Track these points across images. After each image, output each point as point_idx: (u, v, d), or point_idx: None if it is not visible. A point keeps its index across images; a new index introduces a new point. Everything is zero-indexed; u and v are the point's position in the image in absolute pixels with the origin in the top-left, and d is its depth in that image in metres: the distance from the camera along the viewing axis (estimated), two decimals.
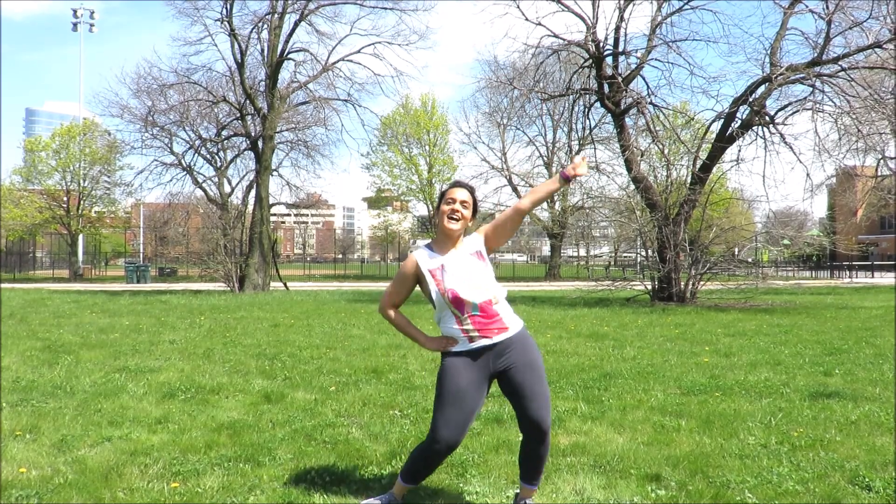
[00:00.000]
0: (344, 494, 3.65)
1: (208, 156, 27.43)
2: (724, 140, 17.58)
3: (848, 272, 42.03)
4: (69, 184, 40.05)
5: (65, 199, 40.16)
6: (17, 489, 3.69)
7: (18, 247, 47.08)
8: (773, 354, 8.56)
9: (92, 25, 53.22)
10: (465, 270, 3.29)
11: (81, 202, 40.45)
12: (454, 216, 3.32)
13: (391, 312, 3.52)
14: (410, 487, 3.52)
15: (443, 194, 3.41)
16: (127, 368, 7.38)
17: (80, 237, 42.41)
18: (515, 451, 4.37)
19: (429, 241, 3.52)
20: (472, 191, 3.41)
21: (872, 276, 40.75)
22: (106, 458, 4.22)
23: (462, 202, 3.34)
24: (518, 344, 3.32)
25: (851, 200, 32.71)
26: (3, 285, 28.46)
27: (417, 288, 3.49)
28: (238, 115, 25.51)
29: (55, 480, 3.83)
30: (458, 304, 3.26)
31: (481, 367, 3.28)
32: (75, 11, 51.47)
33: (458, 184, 3.42)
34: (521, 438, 3.30)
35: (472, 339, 3.27)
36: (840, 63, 16.11)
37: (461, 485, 3.82)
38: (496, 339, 3.27)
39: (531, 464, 3.39)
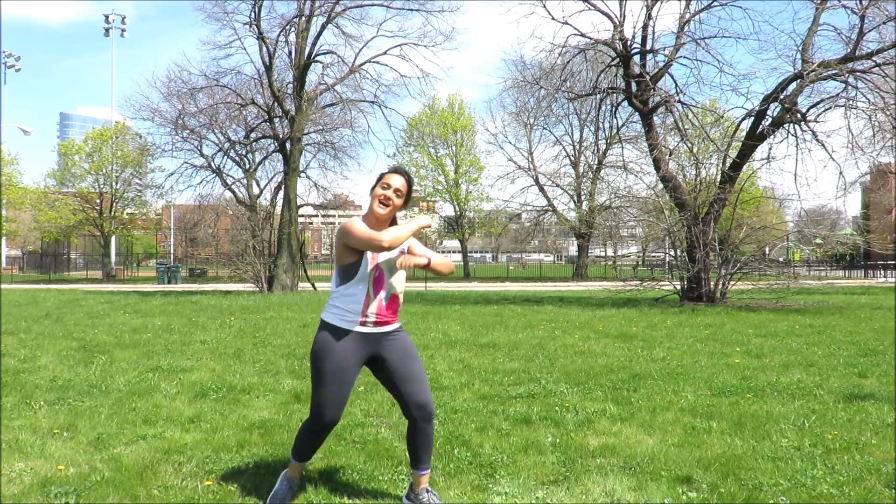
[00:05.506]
0: (373, 494, 3.68)
1: (237, 158, 27.69)
2: (754, 138, 17.34)
3: (883, 271, 41.16)
4: (102, 186, 40.87)
5: (98, 201, 40.99)
6: (56, 486, 3.78)
7: (53, 248, 48.12)
8: (805, 355, 8.42)
9: (123, 31, 54.25)
10: (395, 259, 3.41)
11: (114, 204, 41.26)
12: (385, 202, 3.38)
13: None
14: (305, 464, 3.67)
15: (381, 177, 3.45)
16: (160, 368, 7.51)
17: (113, 239, 43.28)
18: (545, 452, 4.37)
19: (361, 216, 3.53)
20: (408, 179, 3.46)
21: None
22: (141, 456, 4.29)
23: (396, 190, 3.39)
24: (400, 336, 3.50)
25: (886, 198, 32.02)
26: (38, 286, 29.06)
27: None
28: (266, 117, 25.78)
29: (92, 478, 3.91)
30: (378, 284, 3.39)
31: (364, 349, 3.42)
32: (107, 17, 52.43)
33: (396, 170, 3.46)
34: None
35: (364, 324, 3.39)
36: (874, 59, 15.81)
37: (490, 485, 3.82)
38: (386, 328, 3.43)
39: (415, 447, 3.50)
